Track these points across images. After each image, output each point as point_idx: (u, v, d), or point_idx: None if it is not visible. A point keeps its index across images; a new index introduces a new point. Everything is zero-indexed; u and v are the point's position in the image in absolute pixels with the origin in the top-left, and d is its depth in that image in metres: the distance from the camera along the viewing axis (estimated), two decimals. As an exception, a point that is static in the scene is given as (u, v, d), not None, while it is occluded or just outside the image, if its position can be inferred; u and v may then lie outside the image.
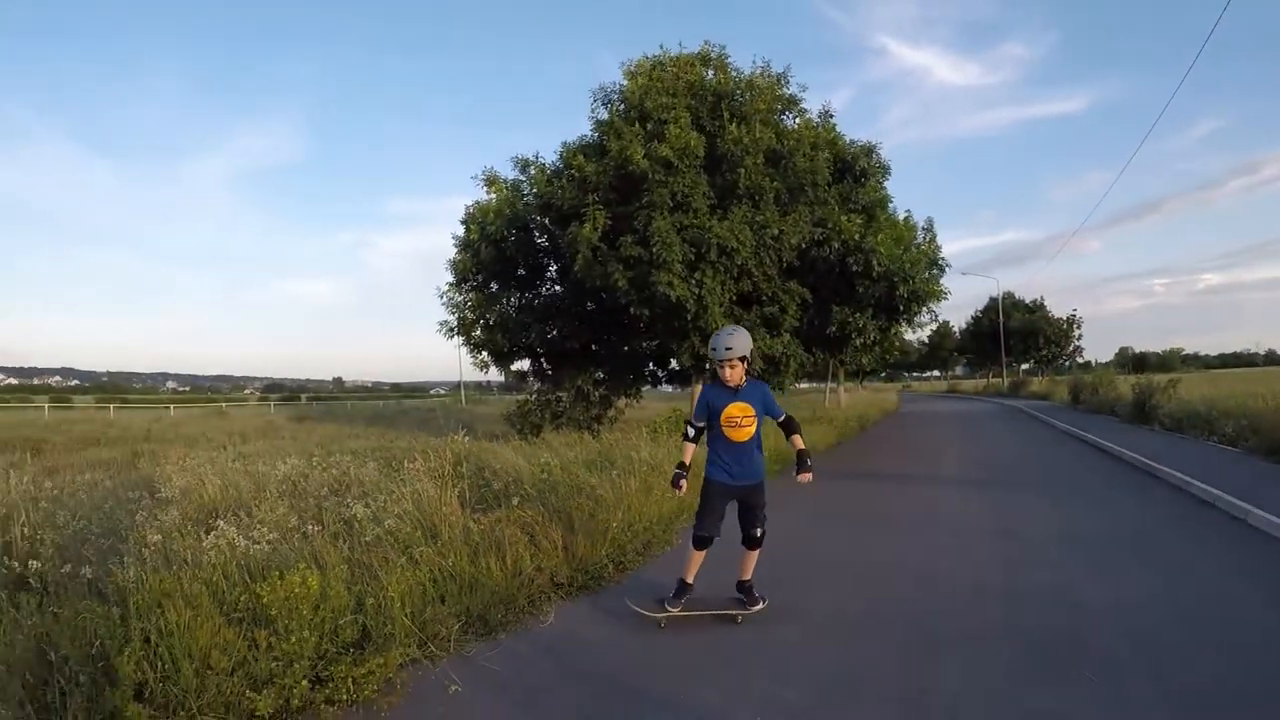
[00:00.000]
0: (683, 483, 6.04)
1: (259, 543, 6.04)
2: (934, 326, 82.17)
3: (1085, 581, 6.93)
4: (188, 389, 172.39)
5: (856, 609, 6.35)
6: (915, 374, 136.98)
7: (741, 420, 6.00)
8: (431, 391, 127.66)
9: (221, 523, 6.45)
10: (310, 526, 6.92)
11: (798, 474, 5.96)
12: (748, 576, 6.39)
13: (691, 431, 6.22)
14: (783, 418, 6.18)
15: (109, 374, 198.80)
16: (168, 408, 59.98)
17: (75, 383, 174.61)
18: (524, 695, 4.76)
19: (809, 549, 8.59)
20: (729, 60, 19.21)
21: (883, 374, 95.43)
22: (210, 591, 5.02)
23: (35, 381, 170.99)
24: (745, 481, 6.08)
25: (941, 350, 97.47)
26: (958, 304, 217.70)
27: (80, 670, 4.16)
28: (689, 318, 16.76)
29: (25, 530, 6.34)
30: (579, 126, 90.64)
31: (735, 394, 6.03)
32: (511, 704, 4.65)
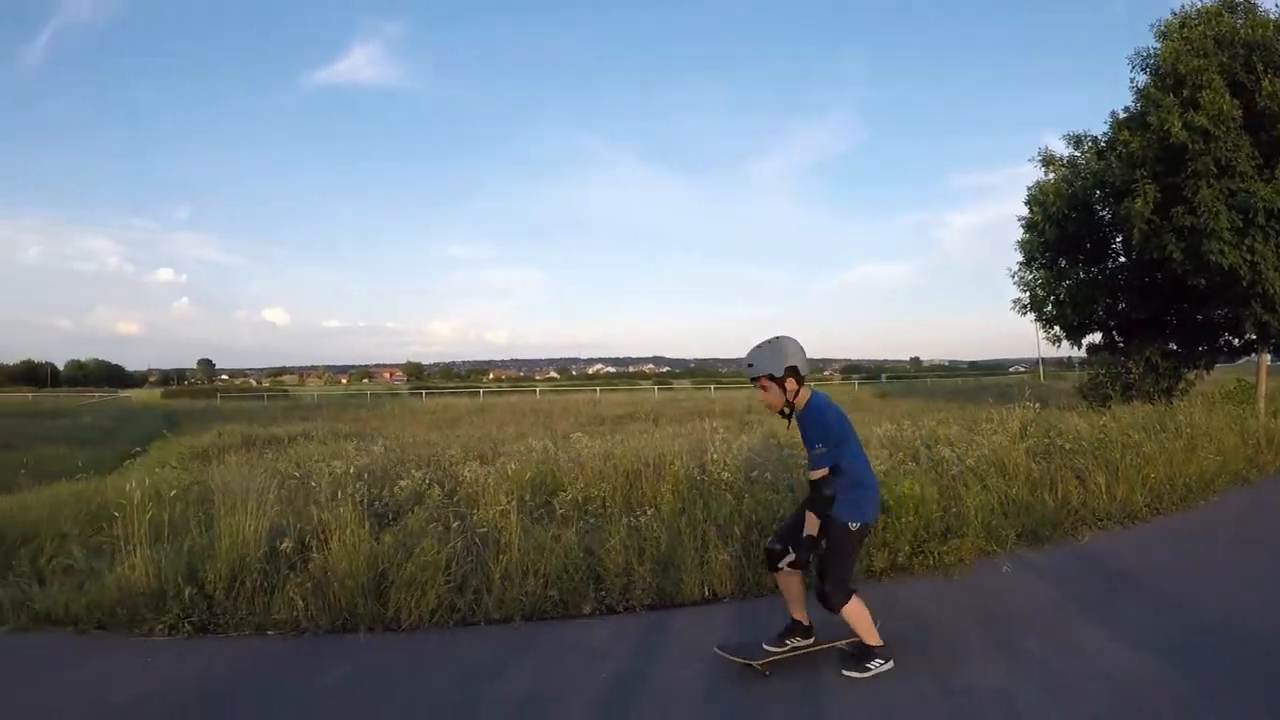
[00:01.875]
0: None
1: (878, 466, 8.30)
2: None
3: None
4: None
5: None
6: None
7: (804, 452, 5.01)
8: (1010, 369, 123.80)
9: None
10: (909, 464, 9.22)
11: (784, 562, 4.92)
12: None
13: None
14: (815, 475, 4.74)
15: (695, 360, 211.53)
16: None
17: (666, 370, 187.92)
18: (1055, 580, 6.68)
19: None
20: (1255, 3, 17.86)
21: None
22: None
23: (630, 370, 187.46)
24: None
25: None
26: None
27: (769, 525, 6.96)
28: (1244, 284, 16.09)
29: (714, 456, 9.05)
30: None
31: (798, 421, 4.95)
32: (1047, 581, 6.66)
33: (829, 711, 4.48)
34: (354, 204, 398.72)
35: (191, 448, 17.91)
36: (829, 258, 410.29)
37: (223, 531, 6.52)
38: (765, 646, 5.02)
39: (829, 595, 4.84)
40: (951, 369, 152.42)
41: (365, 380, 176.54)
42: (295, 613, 5.90)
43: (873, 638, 4.90)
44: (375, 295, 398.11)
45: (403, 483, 8.58)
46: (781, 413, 4.95)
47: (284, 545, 6.43)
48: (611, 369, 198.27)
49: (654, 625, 5.65)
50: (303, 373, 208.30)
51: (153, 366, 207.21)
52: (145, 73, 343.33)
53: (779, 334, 4.94)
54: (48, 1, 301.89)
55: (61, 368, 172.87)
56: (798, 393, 4.85)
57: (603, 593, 6.28)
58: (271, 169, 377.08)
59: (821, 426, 4.76)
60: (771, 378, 4.82)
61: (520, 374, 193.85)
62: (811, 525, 4.76)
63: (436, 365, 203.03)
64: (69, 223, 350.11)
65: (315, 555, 6.37)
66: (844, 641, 5.09)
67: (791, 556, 4.89)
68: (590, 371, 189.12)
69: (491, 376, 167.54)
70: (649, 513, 7.26)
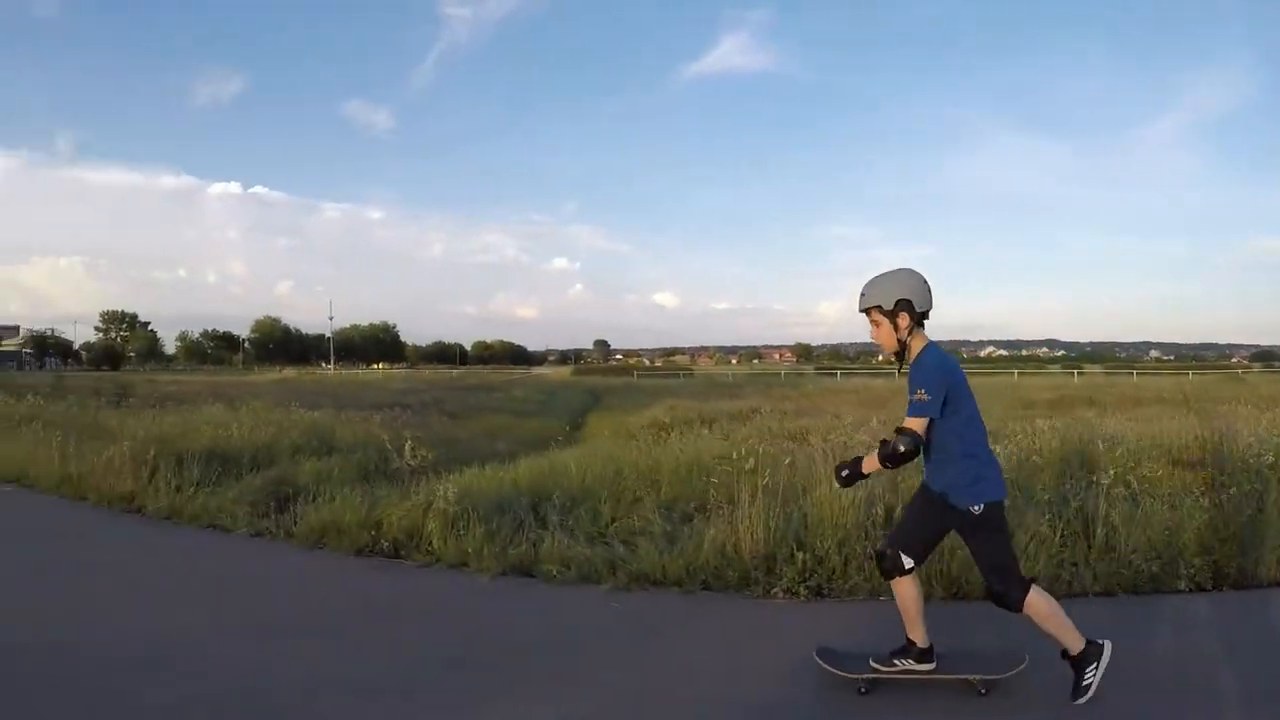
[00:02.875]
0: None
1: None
2: None
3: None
4: (1171, 357, 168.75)
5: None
6: None
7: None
8: None
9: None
10: None
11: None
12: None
13: None
14: (908, 424, 4.12)
15: (1091, 344, 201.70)
16: (1186, 373, 62.79)
17: (1060, 353, 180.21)
18: None
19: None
20: None
21: None
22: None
23: (1023, 353, 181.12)
24: (935, 486, 4.28)
25: None
26: None
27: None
28: None
29: (1250, 439, 8.65)
30: None
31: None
32: None
33: None
34: (737, 190, 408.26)
35: (654, 421, 18.36)
36: (1231, 229, 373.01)
37: (818, 499, 6.75)
38: (872, 663, 4.40)
39: (1001, 594, 4.13)
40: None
41: (755, 361, 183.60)
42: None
43: (1073, 637, 4.12)
44: (762, 277, 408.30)
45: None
46: (897, 355, 4.31)
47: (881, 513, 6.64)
48: (1003, 352, 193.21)
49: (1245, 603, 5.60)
50: (693, 353, 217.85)
51: (550, 346, 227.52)
52: (528, 84, 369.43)
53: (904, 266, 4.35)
54: (429, 29, 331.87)
55: (469, 348, 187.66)
56: (910, 331, 4.21)
57: (1190, 569, 6.10)
58: (654, 162, 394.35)
59: (931, 372, 4.11)
60: (881, 310, 4.23)
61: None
62: (870, 465, 4.27)
63: (824, 346, 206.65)
64: (470, 221, 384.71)
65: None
66: (977, 677, 4.30)
67: (910, 563, 4.24)
68: (982, 354, 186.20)
69: (880, 359, 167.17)
70: (1231, 493, 7.07)
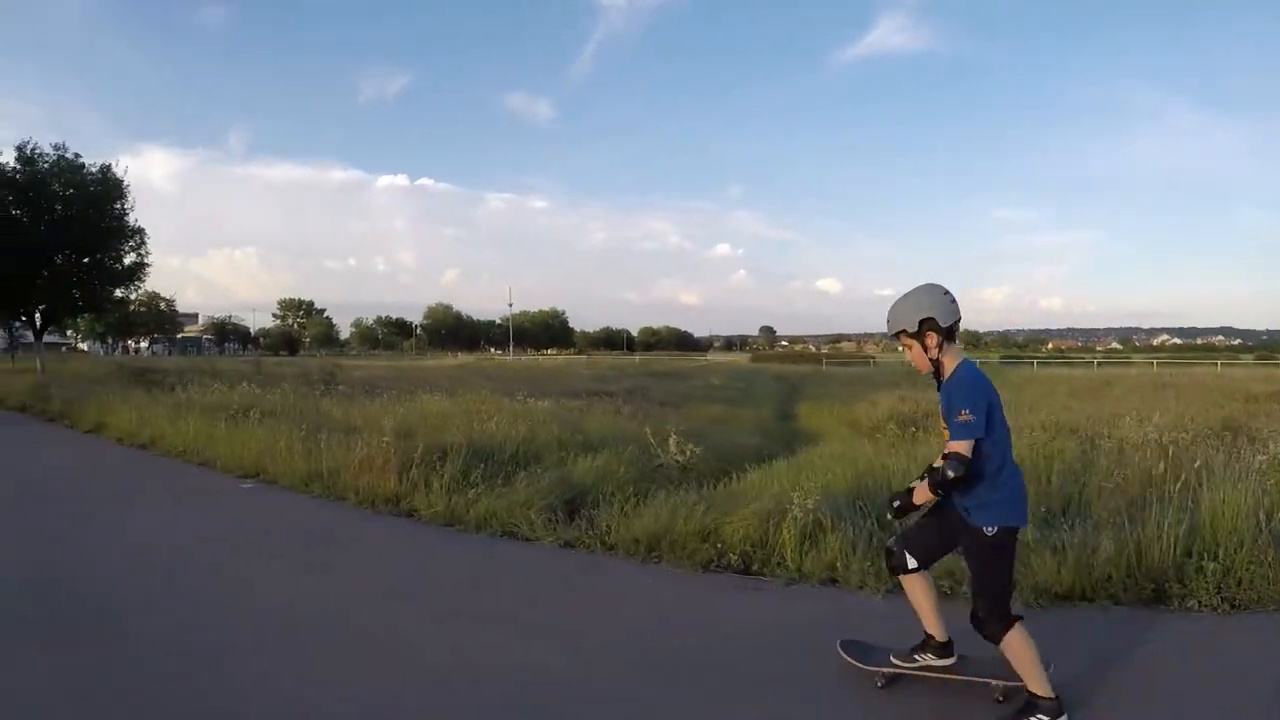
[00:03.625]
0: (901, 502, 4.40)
1: None
2: None
3: None
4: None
5: None
6: None
7: (944, 425, 4.23)
8: None
9: None
10: None
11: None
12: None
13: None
14: (954, 447, 3.96)
15: (1268, 331, 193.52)
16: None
17: (1236, 341, 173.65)
18: None
19: None
20: None
21: None
22: None
23: (1198, 341, 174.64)
24: (957, 501, 4.17)
25: None
26: None
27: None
28: None
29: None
30: None
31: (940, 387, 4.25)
32: None
33: None
34: (898, 174, 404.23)
35: (893, 413, 17.80)
36: None
37: (1211, 505, 6.53)
38: (892, 659, 4.55)
39: (982, 620, 4.08)
40: None
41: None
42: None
43: (1039, 685, 4.00)
44: (925, 263, 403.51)
45: (1260, 458, 8.08)
46: (933, 374, 4.22)
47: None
48: (1177, 340, 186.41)
49: None
50: (859, 339, 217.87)
51: (714, 332, 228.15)
52: (686, 71, 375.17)
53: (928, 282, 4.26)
54: (587, 21, 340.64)
55: (635, 334, 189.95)
56: (940, 347, 4.14)
57: None
58: (814, 147, 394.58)
59: (971, 390, 4.01)
60: (907, 333, 4.20)
61: (1079, 344, 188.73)
62: (921, 495, 4.20)
63: (992, 333, 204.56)
64: (632, 209, 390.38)
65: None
66: (997, 681, 4.27)
67: (914, 564, 4.34)
68: (1154, 342, 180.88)
69: (1050, 346, 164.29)
70: None
